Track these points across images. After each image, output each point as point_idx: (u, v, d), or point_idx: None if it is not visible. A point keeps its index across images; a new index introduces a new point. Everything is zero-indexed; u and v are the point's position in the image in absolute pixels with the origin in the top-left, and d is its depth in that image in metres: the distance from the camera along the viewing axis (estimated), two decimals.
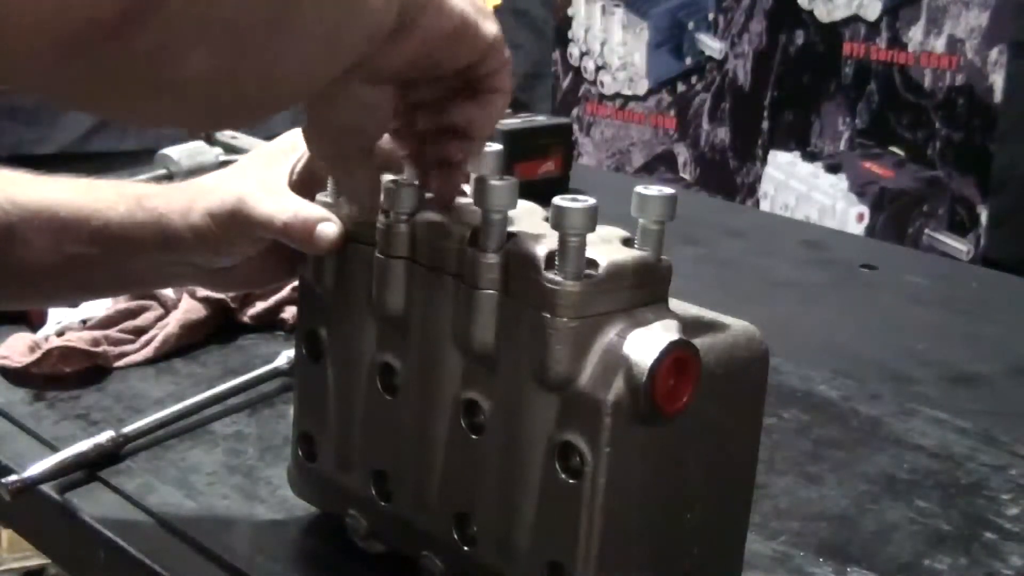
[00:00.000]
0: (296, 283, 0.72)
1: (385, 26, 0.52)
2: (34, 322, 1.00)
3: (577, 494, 0.56)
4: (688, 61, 2.22)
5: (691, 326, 0.58)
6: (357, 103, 0.56)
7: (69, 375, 0.93)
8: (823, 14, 2.02)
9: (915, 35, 1.91)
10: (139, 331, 0.99)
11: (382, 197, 0.63)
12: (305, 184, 0.71)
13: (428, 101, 0.60)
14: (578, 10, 2.34)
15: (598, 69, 2.34)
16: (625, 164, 2.35)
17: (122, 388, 0.93)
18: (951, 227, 1.91)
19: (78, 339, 0.94)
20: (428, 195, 0.64)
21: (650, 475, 0.58)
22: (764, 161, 2.14)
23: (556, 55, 2.38)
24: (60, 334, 0.96)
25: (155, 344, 0.98)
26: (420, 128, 0.61)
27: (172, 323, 0.99)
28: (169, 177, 1.36)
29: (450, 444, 0.62)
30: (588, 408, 0.56)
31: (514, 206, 0.59)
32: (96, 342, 0.96)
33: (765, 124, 2.13)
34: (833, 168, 2.05)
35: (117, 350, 0.97)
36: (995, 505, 0.82)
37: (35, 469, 0.77)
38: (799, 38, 2.06)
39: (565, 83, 2.39)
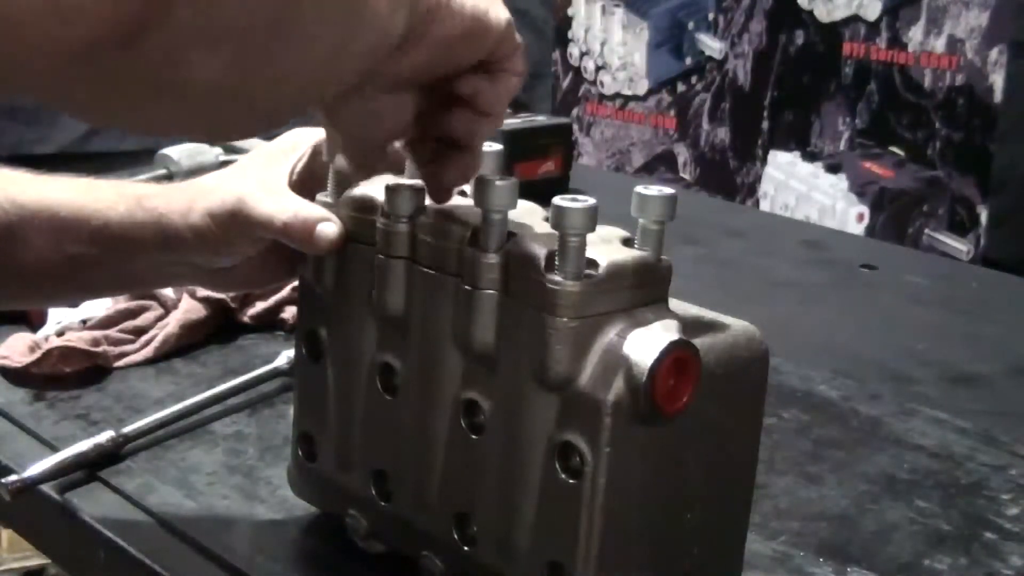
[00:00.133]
0: (296, 283, 0.72)
1: (393, 35, 0.52)
2: (34, 322, 1.00)
3: (577, 494, 0.56)
4: (688, 61, 2.22)
5: (691, 326, 0.58)
6: (375, 111, 0.56)
7: (69, 375, 0.93)
8: (823, 14, 2.02)
9: (915, 35, 1.91)
10: (139, 331, 0.99)
11: (382, 201, 0.63)
12: (305, 184, 0.71)
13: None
14: (578, 10, 2.34)
15: (598, 69, 2.34)
16: (625, 164, 2.35)
17: (122, 388, 0.93)
18: (951, 227, 1.91)
19: (78, 339, 0.94)
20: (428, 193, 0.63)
21: (650, 475, 0.58)
22: (764, 161, 2.14)
23: (556, 55, 2.38)
24: (60, 334, 0.96)
25: (155, 344, 0.98)
26: (428, 107, 0.60)
27: (172, 323, 0.99)
28: (169, 177, 1.36)
29: (450, 444, 0.62)
30: (588, 408, 0.56)
31: (514, 206, 0.59)
32: (96, 342, 0.96)
33: (765, 124, 2.13)
34: (833, 168, 2.05)
35: (117, 350, 0.97)
36: (995, 505, 0.82)
37: (35, 469, 0.77)
38: (799, 38, 2.06)
39: (565, 83, 2.39)
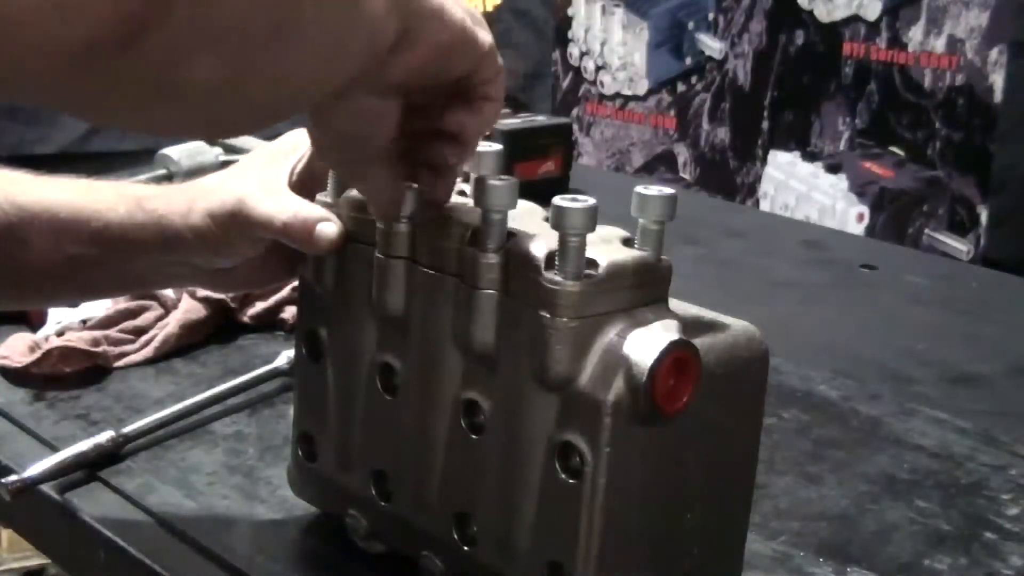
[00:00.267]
0: (296, 283, 0.72)
1: (387, 37, 0.52)
2: (34, 322, 1.00)
3: (577, 494, 0.56)
4: (688, 61, 2.22)
5: (691, 326, 0.58)
6: (361, 113, 0.56)
7: (69, 375, 0.93)
8: (823, 14, 2.02)
9: (915, 35, 1.91)
10: (139, 331, 0.99)
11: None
12: (305, 184, 0.71)
13: (421, 104, 0.60)
14: (578, 10, 2.34)
15: (598, 69, 2.34)
16: (625, 164, 2.35)
17: (122, 388, 0.93)
18: (951, 227, 1.91)
19: (78, 339, 0.94)
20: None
21: (650, 475, 0.58)
22: (764, 161, 2.14)
23: (556, 55, 2.38)
24: (60, 334, 0.96)
25: (155, 344, 0.98)
26: (412, 131, 0.61)
27: (172, 323, 0.99)
28: (169, 177, 1.36)
29: (450, 444, 0.62)
30: (588, 408, 0.56)
31: (514, 206, 0.59)
32: (96, 342, 0.96)
33: (765, 124, 2.13)
34: (833, 168, 2.05)
35: (117, 350, 0.97)
36: (995, 505, 0.82)
37: (35, 469, 0.77)
38: (799, 38, 2.06)
39: (565, 83, 2.39)
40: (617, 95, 2.33)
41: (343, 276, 0.67)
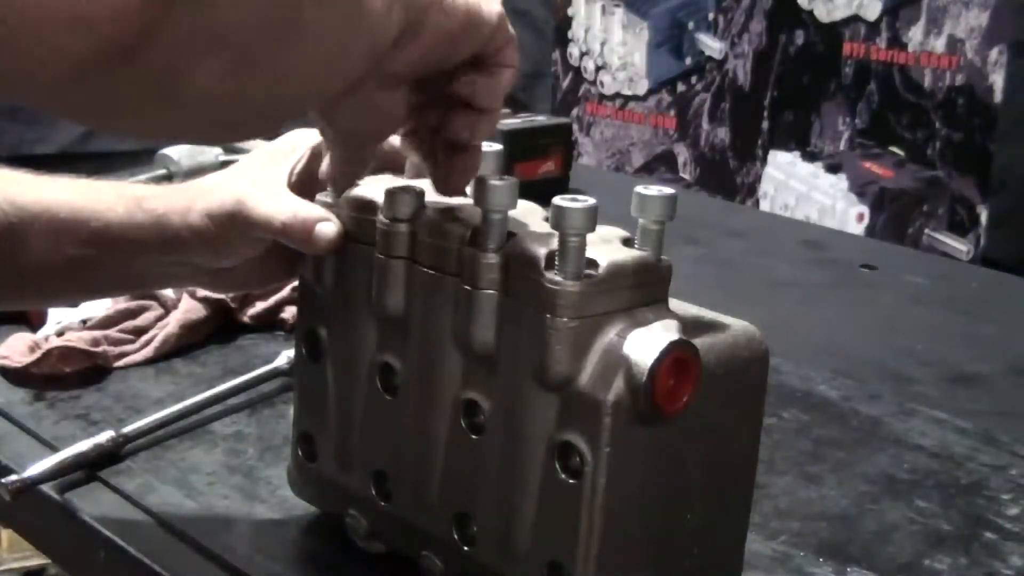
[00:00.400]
0: (296, 283, 0.72)
1: (389, 34, 0.52)
2: (34, 322, 1.00)
3: (577, 494, 0.56)
4: (688, 61, 2.22)
5: (691, 326, 0.58)
6: (369, 107, 0.56)
7: (69, 375, 0.93)
8: (823, 14, 2.02)
9: (915, 35, 1.91)
10: (139, 331, 0.99)
11: (382, 203, 0.63)
12: (305, 185, 0.71)
13: (433, 89, 0.60)
14: (578, 10, 2.34)
15: (598, 69, 2.34)
16: (625, 164, 2.35)
17: (122, 388, 0.93)
18: (951, 227, 1.91)
19: (78, 339, 0.94)
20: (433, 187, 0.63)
21: (650, 475, 0.58)
22: (764, 161, 2.14)
23: (556, 55, 2.38)
24: (60, 334, 0.96)
25: (155, 344, 0.98)
26: (423, 100, 0.60)
27: (172, 323, 0.99)
28: (169, 177, 1.36)
29: (450, 444, 0.62)
30: (588, 408, 0.56)
31: (514, 206, 0.59)
32: (96, 342, 0.96)
33: (765, 124, 2.13)
34: (833, 168, 2.05)
35: (117, 350, 0.97)
36: (995, 505, 0.82)
37: (35, 469, 0.77)
38: (799, 38, 2.06)
39: (565, 83, 2.39)
40: (617, 95, 2.33)
41: (343, 276, 0.67)
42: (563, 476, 0.57)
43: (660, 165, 2.30)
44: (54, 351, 0.93)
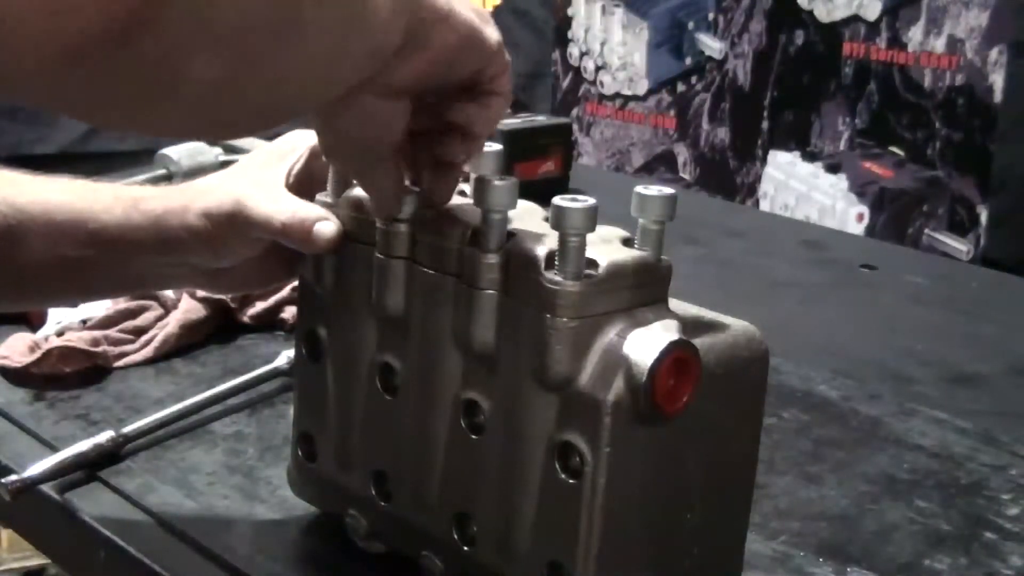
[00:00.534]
0: (296, 283, 0.72)
1: (391, 42, 0.52)
2: (34, 322, 1.00)
3: (577, 494, 0.56)
4: (688, 61, 2.22)
5: (691, 326, 0.58)
6: (369, 116, 0.56)
7: (69, 375, 0.93)
8: (823, 14, 2.02)
9: (915, 35, 1.91)
10: (139, 331, 0.99)
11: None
12: (303, 185, 0.71)
13: (428, 102, 0.60)
14: (578, 10, 2.34)
15: (598, 69, 2.34)
16: (625, 164, 2.35)
17: (122, 388, 0.93)
18: (951, 227, 1.91)
19: (78, 339, 0.94)
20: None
21: (650, 475, 0.58)
22: (764, 161, 2.14)
23: (556, 55, 2.38)
24: (60, 334, 0.96)
25: (155, 344, 0.98)
26: (420, 127, 0.61)
27: (172, 323, 0.99)
28: (169, 177, 1.36)
29: (450, 444, 0.62)
30: (588, 408, 0.56)
31: (514, 206, 0.59)
32: (96, 342, 0.96)
33: (765, 124, 2.13)
34: (833, 168, 2.05)
35: (117, 350, 0.97)
36: (995, 505, 0.82)
37: (35, 469, 0.77)
38: (799, 38, 2.06)
39: (565, 83, 2.39)
40: (617, 95, 2.33)
41: (343, 276, 0.67)
42: (563, 476, 0.57)
43: (660, 165, 2.30)
44: (54, 351, 0.93)
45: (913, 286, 1.33)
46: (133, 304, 1.01)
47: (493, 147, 0.63)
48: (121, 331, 0.99)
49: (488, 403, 0.60)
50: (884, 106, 1.96)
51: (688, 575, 0.61)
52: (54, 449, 0.81)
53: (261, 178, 0.71)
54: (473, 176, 0.61)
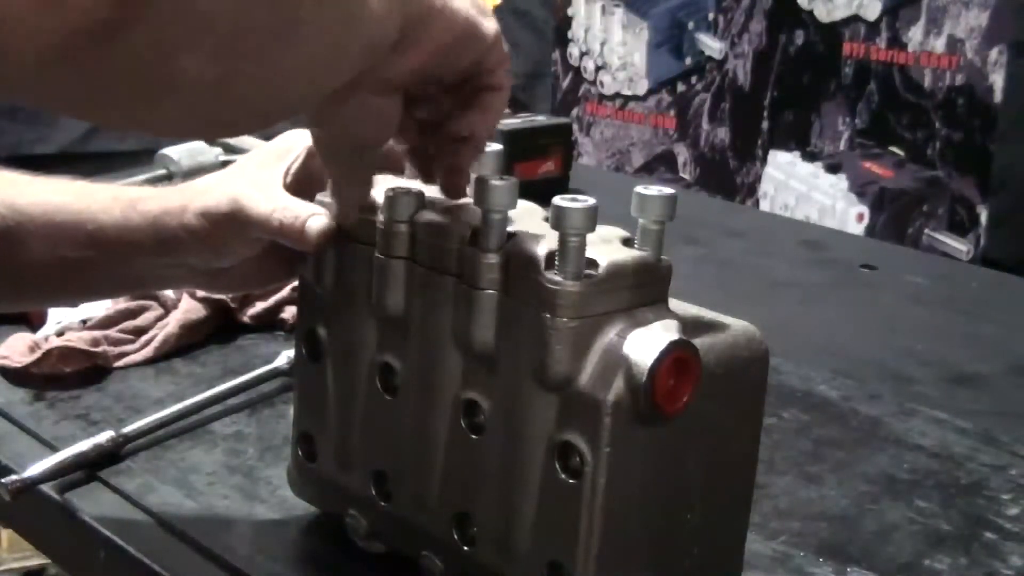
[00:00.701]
0: (296, 283, 0.72)
1: (388, 37, 0.52)
2: (34, 322, 1.00)
3: (577, 494, 0.56)
4: (688, 61, 2.22)
5: (691, 326, 0.58)
6: (365, 112, 0.56)
7: (69, 375, 0.93)
8: (823, 14, 2.02)
9: (915, 35, 1.91)
10: (139, 331, 0.99)
11: (382, 203, 0.63)
12: (302, 185, 0.71)
13: (426, 95, 0.60)
14: (578, 10, 2.34)
15: (598, 69, 2.34)
16: (625, 164, 2.35)
17: (122, 388, 0.93)
18: (951, 227, 1.91)
19: (78, 339, 0.94)
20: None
21: (650, 475, 0.58)
22: (764, 161, 2.14)
23: (556, 55, 2.38)
24: (60, 334, 0.96)
25: (155, 344, 0.98)
26: (423, 135, 0.61)
27: (172, 323, 0.99)
28: (169, 177, 1.36)
29: (450, 444, 0.62)
30: (588, 408, 0.56)
31: (514, 206, 0.59)
32: (96, 342, 0.96)
33: (765, 124, 2.13)
34: (833, 168, 2.05)
35: (117, 350, 0.97)
36: (995, 505, 0.82)
37: (35, 469, 0.77)
38: (799, 38, 2.06)
39: (565, 83, 2.39)
40: (617, 95, 2.33)
41: (343, 276, 0.67)
42: (563, 476, 0.57)
43: (660, 165, 2.30)
44: (54, 351, 0.93)
45: (913, 286, 1.33)
46: (133, 304, 1.01)
47: (493, 147, 0.63)
48: (121, 331, 0.99)
49: (488, 403, 0.60)
50: (884, 106, 1.96)
51: (688, 575, 0.61)
52: (54, 449, 0.81)
53: (259, 178, 0.71)
54: (473, 176, 0.61)
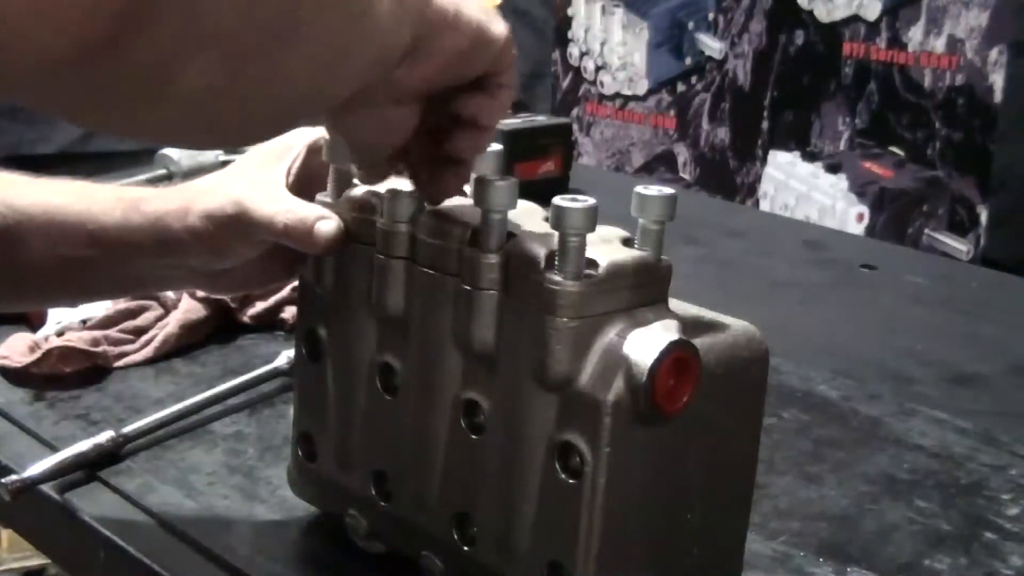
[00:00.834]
0: (296, 283, 0.72)
1: (397, 48, 0.52)
2: (34, 322, 1.00)
3: (577, 494, 0.56)
4: (688, 61, 2.22)
5: (691, 326, 0.58)
6: (379, 121, 0.56)
7: (69, 375, 0.93)
8: (823, 14, 2.02)
9: (915, 35, 1.91)
10: (139, 331, 0.99)
11: (382, 205, 0.63)
12: (303, 183, 0.71)
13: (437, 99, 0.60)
14: (578, 10, 2.34)
15: (598, 69, 2.34)
16: (625, 164, 2.35)
17: (122, 388, 0.93)
18: (951, 227, 1.91)
19: (78, 339, 0.94)
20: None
21: (650, 475, 0.58)
22: (764, 161, 2.14)
23: (556, 55, 2.38)
24: (60, 334, 0.96)
25: (155, 344, 0.98)
26: (426, 125, 0.61)
27: (172, 323, 0.99)
28: (169, 177, 1.36)
29: (450, 444, 0.62)
30: (588, 408, 0.56)
31: (514, 206, 0.59)
32: (96, 342, 0.96)
33: (765, 124, 2.13)
34: (833, 168, 2.05)
35: (117, 350, 0.97)
36: (995, 505, 0.82)
37: (35, 469, 0.77)
38: (799, 38, 2.06)
39: (565, 83, 2.39)
40: (617, 95, 2.33)
41: (343, 276, 0.67)
42: (563, 476, 0.57)
43: (660, 165, 2.30)
44: (54, 351, 0.93)
45: (913, 286, 1.33)
46: (133, 304, 1.01)
47: (493, 147, 0.63)
48: (121, 331, 0.99)
49: (488, 403, 0.60)
50: (884, 106, 1.96)
51: (688, 575, 0.61)
52: (54, 449, 0.81)
53: (261, 178, 0.71)
54: (473, 176, 0.61)
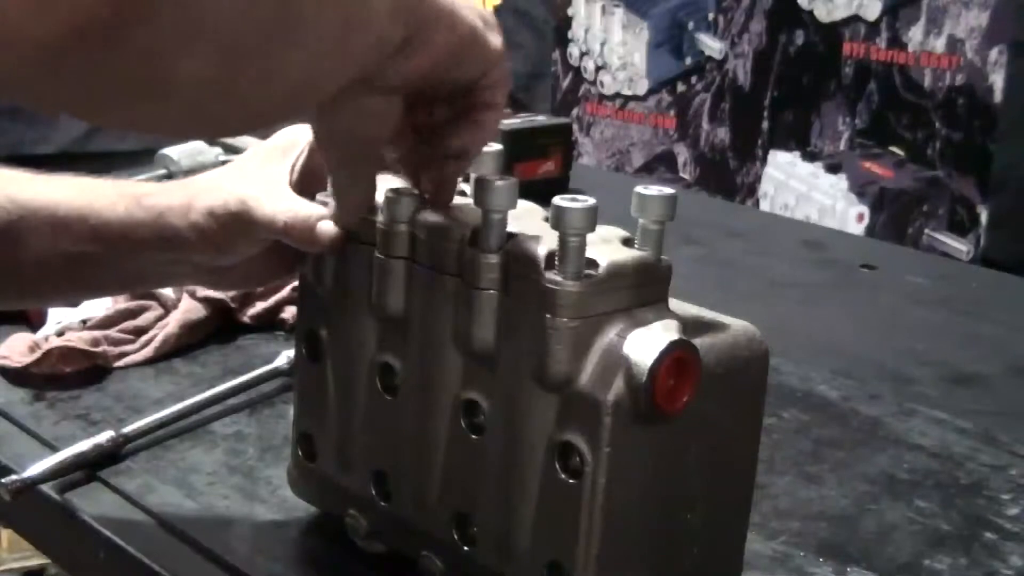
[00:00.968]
0: (296, 283, 0.72)
1: (392, 39, 0.52)
2: (34, 322, 1.00)
3: (577, 494, 0.56)
4: (688, 61, 2.22)
5: (691, 326, 0.58)
6: (367, 113, 0.56)
7: (69, 375, 0.93)
8: (823, 14, 2.02)
9: (915, 35, 1.91)
10: (139, 331, 0.99)
11: (382, 205, 0.63)
12: (306, 181, 0.71)
13: (422, 112, 0.61)
14: (578, 10, 2.34)
15: (598, 69, 2.34)
16: (625, 164, 2.35)
17: (122, 388, 0.93)
18: (951, 227, 1.90)
19: (78, 339, 0.94)
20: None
21: (650, 475, 0.58)
22: (764, 161, 2.14)
23: (556, 55, 2.38)
24: (60, 334, 0.96)
25: (155, 344, 0.98)
26: (415, 127, 0.61)
27: (172, 323, 0.99)
28: (169, 177, 1.36)
29: (450, 444, 0.62)
30: (588, 408, 0.56)
31: (514, 206, 0.59)
32: (96, 342, 0.96)
33: (765, 124, 2.12)
34: (833, 168, 2.05)
35: (117, 350, 0.97)
36: (995, 505, 0.82)
37: (35, 469, 0.77)
38: (799, 38, 2.06)
39: (565, 83, 2.39)
40: (617, 95, 2.33)
41: (343, 276, 0.67)
42: (563, 476, 0.57)
43: (660, 165, 2.29)
44: (54, 351, 0.93)
45: (913, 286, 1.33)
46: (133, 304, 1.01)
47: (493, 147, 0.63)
48: (121, 331, 0.99)
49: (488, 403, 0.60)
50: (884, 106, 1.96)
51: (688, 575, 0.61)
52: (54, 449, 0.81)
53: (263, 176, 0.71)
54: (473, 176, 0.61)
